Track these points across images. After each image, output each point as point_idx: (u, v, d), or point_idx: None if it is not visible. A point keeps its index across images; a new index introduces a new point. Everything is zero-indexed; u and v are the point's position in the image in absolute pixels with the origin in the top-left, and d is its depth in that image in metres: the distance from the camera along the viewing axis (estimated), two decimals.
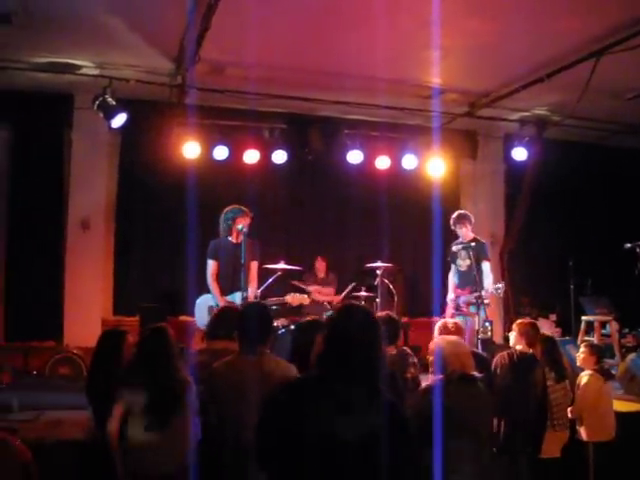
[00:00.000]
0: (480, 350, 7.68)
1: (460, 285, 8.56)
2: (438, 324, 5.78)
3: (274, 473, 2.80)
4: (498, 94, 9.53)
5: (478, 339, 7.77)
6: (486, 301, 8.17)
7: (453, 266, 8.78)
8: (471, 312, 8.13)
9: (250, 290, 7.77)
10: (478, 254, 8.40)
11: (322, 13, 7.19)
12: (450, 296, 8.66)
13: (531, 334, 5.88)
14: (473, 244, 8.47)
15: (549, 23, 7.22)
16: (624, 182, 11.72)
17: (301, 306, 8.55)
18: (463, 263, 8.56)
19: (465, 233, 8.61)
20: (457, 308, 8.35)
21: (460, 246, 8.62)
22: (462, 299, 8.29)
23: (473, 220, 8.70)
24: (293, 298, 7.97)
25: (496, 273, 9.26)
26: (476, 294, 7.97)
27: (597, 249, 11.33)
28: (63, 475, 5.08)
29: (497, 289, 7.98)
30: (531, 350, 5.85)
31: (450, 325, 5.69)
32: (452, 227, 8.72)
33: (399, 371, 5.33)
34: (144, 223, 10.37)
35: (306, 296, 8.26)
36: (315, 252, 10.46)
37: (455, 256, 8.70)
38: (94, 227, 9.81)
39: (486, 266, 8.46)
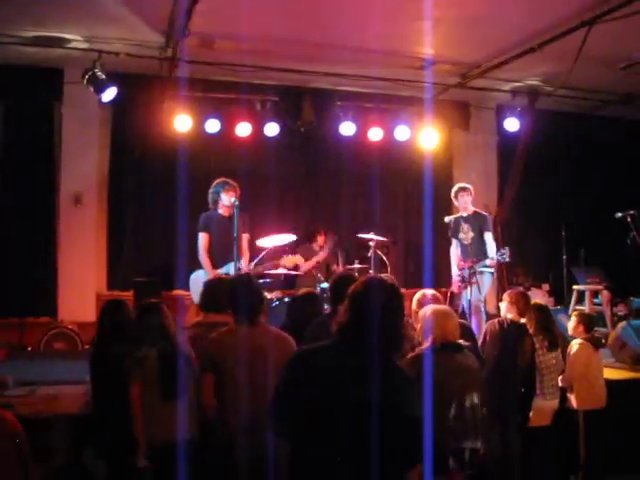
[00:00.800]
0: (484, 320, 7.80)
1: (464, 258, 8.52)
2: (417, 295, 5.77)
3: (290, 435, 2.94)
4: (490, 64, 9.46)
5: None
6: (491, 270, 8.27)
7: (455, 240, 8.79)
8: (476, 281, 8.14)
9: (243, 262, 7.81)
10: (480, 226, 8.47)
11: None
12: (454, 271, 8.67)
13: (522, 303, 5.92)
14: (475, 216, 8.53)
15: None
16: (616, 151, 11.72)
17: (296, 267, 8.50)
18: (466, 236, 8.57)
19: (466, 205, 8.61)
20: (463, 280, 8.32)
21: (461, 219, 8.63)
22: (467, 271, 8.24)
23: (473, 193, 8.71)
24: (287, 260, 7.99)
25: None
26: (482, 262, 8.14)
27: (590, 219, 11.37)
28: (59, 449, 5.15)
29: (502, 255, 8.02)
30: (522, 319, 5.89)
31: (429, 296, 5.70)
32: (453, 199, 8.75)
33: None
34: (136, 197, 10.31)
35: (299, 256, 8.23)
36: (308, 224, 10.46)
37: (457, 229, 8.68)
38: (86, 202, 9.78)
39: (489, 236, 8.53)
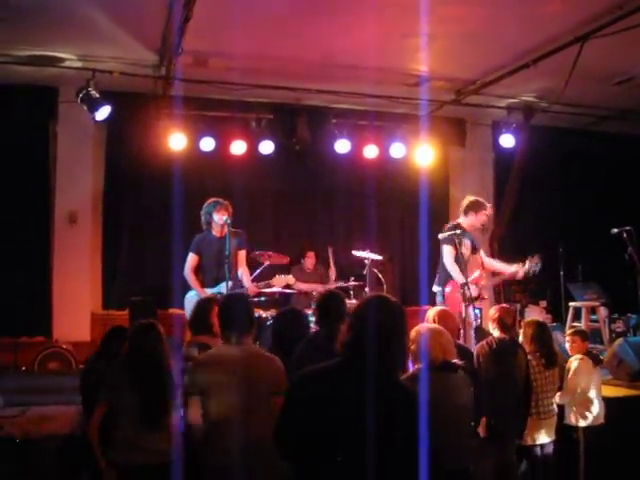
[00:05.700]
0: (474, 338, 7.64)
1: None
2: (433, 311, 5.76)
3: (296, 457, 2.92)
4: (485, 81, 9.47)
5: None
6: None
7: (455, 251, 7.97)
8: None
9: (245, 279, 7.76)
10: (475, 243, 8.35)
11: (306, 1, 7.14)
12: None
13: (503, 319, 5.84)
14: (469, 233, 8.40)
15: (534, 9, 7.19)
16: (612, 167, 11.73)
17: (288, 287, 8.45)
18: (466, 252, 8.16)
19: (472, 222, 8.30)
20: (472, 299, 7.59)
21: (460, 232, 7.96)
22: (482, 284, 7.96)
23: None
24: (278, 280, 7.92)
25: None
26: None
27: (586, 235, 11.34)
28: (47, 469, 5.09)
29: (537, 264, 7.93)
30: (507, 335, 5.82)
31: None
32: (465, 212, 8.30)
33: None
34: (131, 216, 10.29)
35: (291, 276, 8.15)
36: (303, 242, 10.41)
37: (460, 242, 7.88)
38: (81, 221, 9.77)
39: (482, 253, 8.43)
